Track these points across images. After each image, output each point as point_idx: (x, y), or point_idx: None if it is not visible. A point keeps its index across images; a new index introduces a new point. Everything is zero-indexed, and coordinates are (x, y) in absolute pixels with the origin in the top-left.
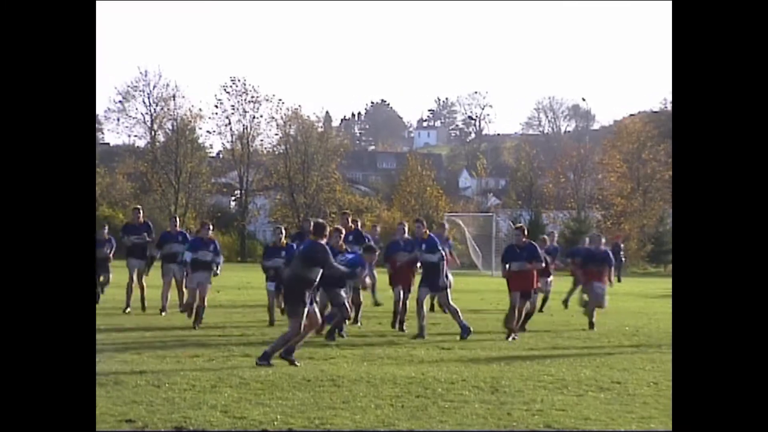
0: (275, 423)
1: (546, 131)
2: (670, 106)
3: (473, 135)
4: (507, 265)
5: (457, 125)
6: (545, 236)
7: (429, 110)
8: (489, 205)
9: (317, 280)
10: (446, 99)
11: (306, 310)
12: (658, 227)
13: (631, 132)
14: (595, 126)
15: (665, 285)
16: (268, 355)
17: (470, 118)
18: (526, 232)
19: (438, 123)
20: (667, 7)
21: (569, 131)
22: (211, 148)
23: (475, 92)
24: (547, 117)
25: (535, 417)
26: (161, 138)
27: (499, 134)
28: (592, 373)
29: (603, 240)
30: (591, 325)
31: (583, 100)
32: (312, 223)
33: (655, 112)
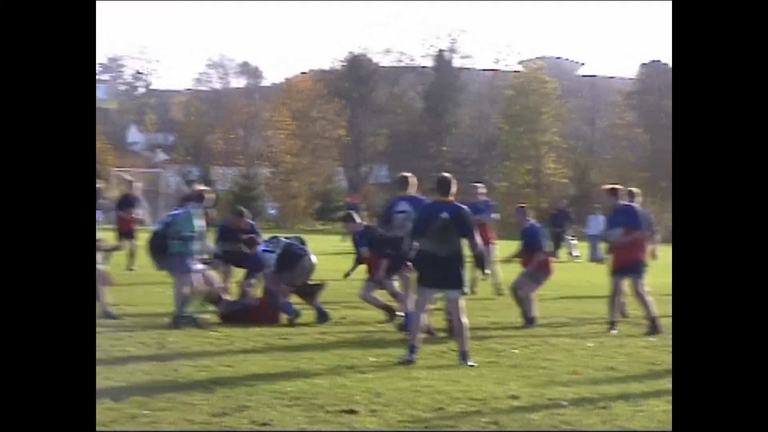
0: None
1: (216, 87)
2: (339, 65)
3: (142, 90)
4: None
5: (125, 79)
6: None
7: (98, 64)
8: (158, 160)
9: None
10: (115, 53)
11: None
12: (326, 185)
13: (301, 90)
14: (266, 83)
15: (333, 242)
16: None
17: (139, 72)
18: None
19: (107, 77)
20: None
21: (240, 88)
22: None
23: (144, 47)
24: (217, 73)
25: (201, 373)
26: None
27: (169, 90)
28: (258, 330)
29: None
30: None
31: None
32: None
33: (325, 70)
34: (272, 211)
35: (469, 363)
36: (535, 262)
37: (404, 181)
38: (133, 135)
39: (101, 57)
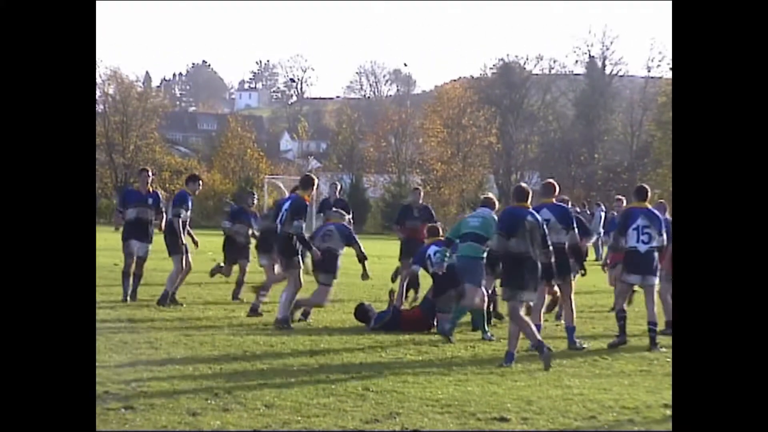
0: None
1: (368, 95)
2: (489, 72)
3: (295, 98)
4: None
5: (278, 87)
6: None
7: (251, 72)
8: (310, 168)
9: None
10: (268, 61)
11: None
12: (477, 192)
13: (451, 97)
14: (417, 91)
15: None
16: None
17: (292, 80)
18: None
19: (260, 85)
20: None
21: (390, 95)
22: None
23: (297, 55)
24: (368, 81)
25: (353, 380)
26: None
27: (320, 98)
28: (410, 337)
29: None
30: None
31: (405, 65)
32: None
33: (476, 78)
34: None
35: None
36: (669, 259)
37: (551, 189)
38: (286, 143)
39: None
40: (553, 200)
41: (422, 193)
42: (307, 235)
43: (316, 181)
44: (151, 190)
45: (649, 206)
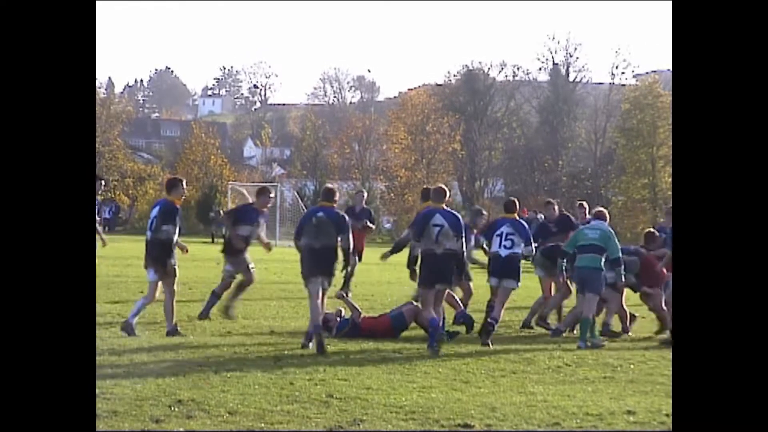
0: None
1: (331, 102)
2: (453, 79)
3: (258, 104)
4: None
5: (242, 94)
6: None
7: (214, 78)
8: (274, 174)
9: None
10: (231, 67)
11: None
12: None
13: (415, 104)
14: (380, 97)
15: None
16: None
17: (255, 86)
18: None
19: (223, 91)
20: None
21: (354, 102)
22: None
23: (261, 61)
24: (332, 87)
25: (317, 387)
26: None
27: (284, 104)
28: (374, 344)
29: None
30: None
31: (369, 71)
32: None
33: (439, 84)
34: (387, 225)
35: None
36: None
37: (442, 194)
38: (250, 149)
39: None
40: (443, 206)
41: (365, 196)
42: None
43: (182, 185)
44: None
45: (517, 217)
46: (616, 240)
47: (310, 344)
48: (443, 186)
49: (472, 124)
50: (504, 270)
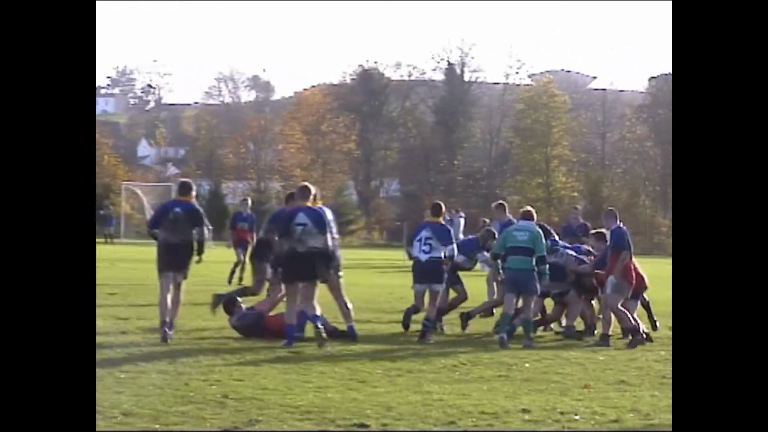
0: None
1: (226, 101)
2: (349, 79)
3: (153, 103)
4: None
5: (136, 93)
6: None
7: (108, 77)
8: (168, 174)
9: None
10: (125, 66)
11: None
12: (337, 198)
13: (311, 104)
14: (276, 97)
15: (352, 255)
16: None
17: (149, 86)
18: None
19: (117, 90)
20: None
21: (250, 102)
22: None
23: (155, 60)
24: (227, 87)
25: (213, 387)
26: None
27: (179, 104)
28: (269, 344)
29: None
30: None
31: (264, 71)
32: None
33: (335, 84)
34: None
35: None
36: (620, 267)
37: (306, 192)
38: (144, 149)
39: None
40: (309, 204)
41: (250, 201)
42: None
43: None
44: None
45: (441, 221)
46: (544, 240)
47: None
48: (307, 185)
49: (368, 124)
50: (426, 275)
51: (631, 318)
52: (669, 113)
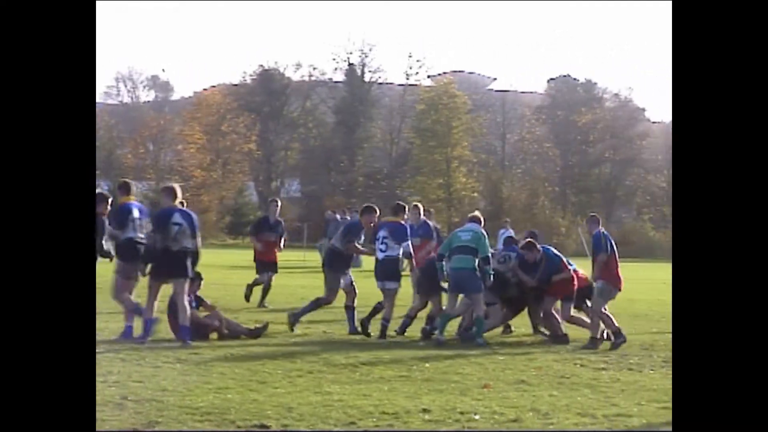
0: None
1: (125, 101)
2: (249, 79)
3: None
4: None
5: None
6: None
7: None
8: None
9: None
10: None
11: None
12: (237, 199)
13: (210, 104)
14: (175, 97)
15: (245, 256)
16: None
17: None
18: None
19: None
20: None
21: (149, 101)
22: None
23: None
24: (126, 86)
25: (111, 389)
26: None
27: None
28: (169, 345)
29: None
30: None
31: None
32: None
33: (235, 84)
34: None
35: None
36: (599, 270)
37: (172, 193)
38: None
39: None
40: (177, 204)
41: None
42: None
43: None
44: None
45: (401, 221)
46: (487, 241)
47: None
48: (174, 185)
49: (269, 124)
50: (382, 272)
51: (613, 321)
52: (568, 115)
